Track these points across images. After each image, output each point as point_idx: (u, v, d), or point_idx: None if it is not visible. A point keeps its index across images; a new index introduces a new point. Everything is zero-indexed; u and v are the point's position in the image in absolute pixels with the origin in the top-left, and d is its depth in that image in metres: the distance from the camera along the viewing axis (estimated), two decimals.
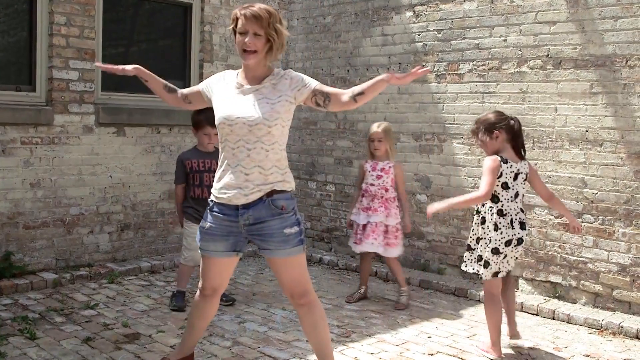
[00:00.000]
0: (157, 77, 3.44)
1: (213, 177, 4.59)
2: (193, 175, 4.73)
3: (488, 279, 3.97)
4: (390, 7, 6.28)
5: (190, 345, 3.54)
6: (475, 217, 4.08)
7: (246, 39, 3.02)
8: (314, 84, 3.12)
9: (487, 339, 4.08)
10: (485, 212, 4.00)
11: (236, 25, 3.08)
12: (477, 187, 5.62)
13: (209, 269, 3.29)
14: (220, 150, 3.19)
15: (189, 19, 6.41)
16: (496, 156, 3.93)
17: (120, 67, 3.39)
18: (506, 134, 3.98)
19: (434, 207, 4.00)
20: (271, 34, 3.03)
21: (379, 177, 5.06)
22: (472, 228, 4.13)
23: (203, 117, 4.66)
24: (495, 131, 3.96)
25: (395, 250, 5.08)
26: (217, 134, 4.65)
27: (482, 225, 4.01)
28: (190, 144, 6.32)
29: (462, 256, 5.73)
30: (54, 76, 5.36)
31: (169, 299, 4.88)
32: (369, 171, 5.11)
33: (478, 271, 4.04)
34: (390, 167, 5.08)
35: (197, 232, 4.55)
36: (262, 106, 3.04)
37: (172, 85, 3.45)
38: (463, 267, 4.20)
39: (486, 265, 3.96)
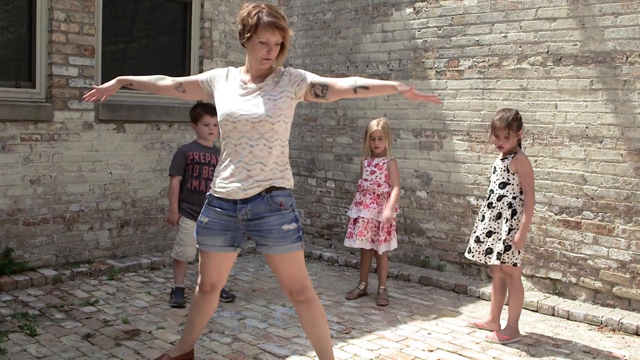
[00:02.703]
0: (139, 77, 3.45)
1: (212, 171, 4.57)
2: (193, 166, 4.71)
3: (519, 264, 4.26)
4: (390, 4, 6.27)
5: (190, 342, 3.55)
6: (490, 211, 4.28)
7: (269, 51, 3.02)
8: (311, 76, 3.14)
9: (493, 327, 4.45)
10: (517, 205, 4.20)
11: (255, 30, 2.99)
12: (478, 185, 5.63)
13: (208, 264, 3.29)
14: (222, 146, 3.18)
15: (188, 15, 6.40)
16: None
17: (103, 87, 3.41)
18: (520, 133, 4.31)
19: (520, 240, 4.15)
20: (286, 39, 3.06)
21: (372, 172, 5.07)
22: (481, 220, 4.36)
23: (201, 109, 4.74)
24: (521, 130, 4.27)
25: (385, 246, 5.07)
26: (216, 124, 4.46)
27: (514, 217, 4.20)
28: (190, 140, 6.32)
29: (462, 253, 5.76)
30: (53, 72, 5.35)
31: (169, 295, 4.88)
32: (365, 167, 5.12)
33: (514, 259, 4.22)
34: (384, 163, 5.08)
35: (190, 228, 4.50)
36: (265, 103, 3.06)
37: (161, 75, 3.45)
38: (492, 261, 4.26)
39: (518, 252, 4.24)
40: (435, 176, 5.97)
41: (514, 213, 4.18)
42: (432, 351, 4.04)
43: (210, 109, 4.65)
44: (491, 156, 5.55)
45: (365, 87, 3.07)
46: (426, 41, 5.99)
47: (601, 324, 4.65)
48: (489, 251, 4.25)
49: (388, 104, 6.29)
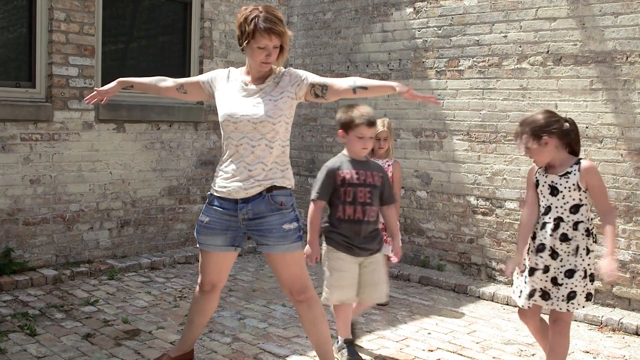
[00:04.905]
0: (140, 78, 3.44)
1: (369, 193, 3.64)
2: (345, 190, 3.61)
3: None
4: (390, 3, 6.27)
5: (190, 342, 3.55)
6: (567, 245, 3.25)
7: (268, 55, 3.03)
8: (311, 76, 3.17)
9: None
10: (593, 230, 3.31)
11: (252, 36, 2.99)
12: (478, 184, 5.64)
13: (208, 263, 3.30)
14: (223, 146, 3.20)
15: (188, 15, 6.40)
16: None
17: (104, 89, 3.39)
18: (558, 139, 3.32)
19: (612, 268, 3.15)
20: (285, 41, 3.07)
21: None
22: (552, 257, 3.29)
23: (357, 115, 3.61)
24: (545, 136, 3.30)
25: (389, 247, 5.07)
26: (372, 138, 3.69)
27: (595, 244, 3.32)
28: (189, 140, 6.33)
29: (462, 253, 5.76)
30: (53, 72, 5.35)
31: (337, 350, 3.80)
32: None
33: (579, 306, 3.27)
34: (389, 165, 5.07)
35: (344, 264, 3.63)
36: (266, 104, 3.08)
37: (162, 77, 3.44)
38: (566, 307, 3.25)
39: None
40: (435, 176, 5.97)
41: (595, 240, 3.32)
42: (432, 351, 4.04)
43: (369, 119, 3.62)
44: (491, 156, 5.55)
45: (364, 88, 3.10)
46: (426, 41, 5.99)
47: (601, 324, 4.65)
48: (572, 295, 3.20)
49: (388, 104, 6.29)
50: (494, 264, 5.56)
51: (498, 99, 5.50)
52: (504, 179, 5.48)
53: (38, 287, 5.02)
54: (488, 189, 5.58)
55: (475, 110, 5.66)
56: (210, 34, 6.46)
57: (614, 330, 4.57)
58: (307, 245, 3.58)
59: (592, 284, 3.24)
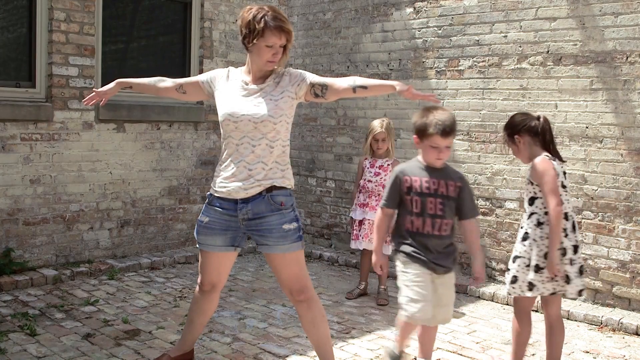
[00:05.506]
0: (139, 79, 3.44)
1: (440, 204, 3.26)
2: (411, 198, 3.25)
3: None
4: (390, 3, 6.27)
5: (190, 341, 3.55)
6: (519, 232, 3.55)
7: (275, 54, 3.05)
8: (310, 76, 3.18)
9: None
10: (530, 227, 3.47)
11: (262, 34, 3.00)
12: (478, 184, 5.64)
13: (208, 263, 3.30)
14: (223, 146, 3.20)
15: (188, 15, 6.40)
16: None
17: (102, 90, 3.39)
18: (529, 137, 3.47)
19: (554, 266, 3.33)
20: (290, 40, 3.10)
21: (376, 174, 5.06)
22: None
23: (432, 123, 3.17)
24: (522, 134, 3.48)
25: (389, 247, 5.08)
26: (448, 147, 3.27)
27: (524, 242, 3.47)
28: (189, 140, 6.33)
29: (462, 253, 5.76)
30: (53, 72, 5.35)
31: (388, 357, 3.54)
32: (367, 167, 5.11)
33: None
34: (389, 164, 5.08)
35: (418, 278, 3.26)
36: (267, 103, 3.09)
37: (161, 77, 3.44)
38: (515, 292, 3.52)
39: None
40: None
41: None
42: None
43: (445, 129, 3.17)
44: (491, 156, 5.55)
45: (364, 87, 3.11)
46: (426, 41, 5.99)
47: (601, 324, 4.65)
48: (514, 280, 3.45)
49: (388, 104, 6.29)
50: (494, 264, 5.56)
51: (498, 99, 5.50)
52: (504, 179, 5.48)
53: (38, 287, 5.02)
54: (488, 189, 5.58)
55: (475, 110, 5.66)
56: (210, 34, 6.46)
57: (614, 330, 4.57)
58: (373, 254, 3.33)
59: (537, 274, 3.36)
